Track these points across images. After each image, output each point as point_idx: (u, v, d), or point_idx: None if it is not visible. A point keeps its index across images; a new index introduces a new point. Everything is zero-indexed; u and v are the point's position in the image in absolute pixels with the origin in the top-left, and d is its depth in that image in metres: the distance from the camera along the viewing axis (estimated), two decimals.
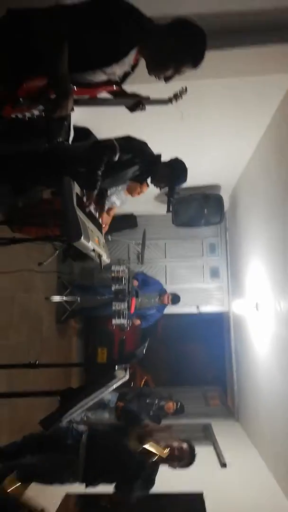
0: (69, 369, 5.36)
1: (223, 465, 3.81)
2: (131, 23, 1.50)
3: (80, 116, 2.86)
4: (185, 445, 2.51)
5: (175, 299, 4.94)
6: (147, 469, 2.23)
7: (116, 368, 1.66)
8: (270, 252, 3.54)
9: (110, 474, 2.26)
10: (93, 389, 1.53)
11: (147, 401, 4.60)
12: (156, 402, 4.57)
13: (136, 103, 1.94)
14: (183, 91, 1.92)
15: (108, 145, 2.23)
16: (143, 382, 6.30)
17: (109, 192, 3.14)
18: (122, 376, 1.71)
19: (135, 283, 4.85)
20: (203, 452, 3.09)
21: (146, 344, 2.49)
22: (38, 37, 1.42)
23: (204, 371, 7.13)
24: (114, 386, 1.71)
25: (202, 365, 7.17)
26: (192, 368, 7.16)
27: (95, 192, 2.28)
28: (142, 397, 4.64)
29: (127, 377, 1.77)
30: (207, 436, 4.69)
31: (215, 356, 6.62)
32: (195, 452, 2.55)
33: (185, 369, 7.15)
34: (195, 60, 1.59)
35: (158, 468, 2.33)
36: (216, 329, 6.44)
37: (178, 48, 1.55)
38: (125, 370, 1.77)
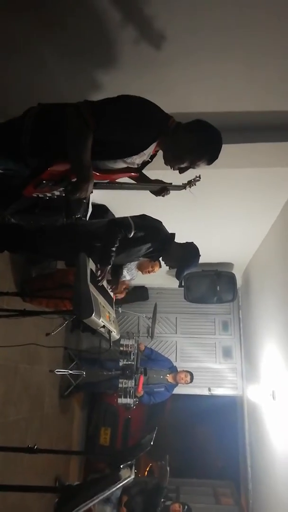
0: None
1: None
2: (153, 121, 1.60)
3: (97, 194, 3.00)
4: None
5: (192, 377, 4.67)
6: None
7: (121, 468, 1.50)
8: (287, 336, 3.39)
9: None
10: (95, 491, 1.36)
11: (153, 498, 4.20)
12: (162, 500, 4.16)
13: (162, 188, 2.01)
14: (197, 178, 2.01)
15: (124, 223, 2.28)
16: (147, 469, 5.80)
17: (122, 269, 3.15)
18: (127, 476, 1.54)
19: (142, 346, 4.65)
20: None
21: (154, 434, 2.29)
22: (67, 129, 1.51)
23: (214, 462, 6.50)
24: (119, 486, 1.53)
25: (213, 455, 6.56)
26: (201, 457, 6.56)
27: (109, 267, 2.28)
28: (147, 493, 4.25)
29: (132, 476, 1.60)
30: None
31: (227, 446, 6.08)
32: None
33: (193, 458, 6.55)
34: (210, 159, 1.70)
35: None
36: (228, 415, 5.99)
37: (195, 147, 1.66)
38: (131, 468, 1.60)
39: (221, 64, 2.02)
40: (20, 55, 2.06)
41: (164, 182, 2.03)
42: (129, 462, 1.61)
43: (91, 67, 2.08)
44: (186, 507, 4.16)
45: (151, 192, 2.09)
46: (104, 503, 3.43)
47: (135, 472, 1.78)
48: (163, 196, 2.07)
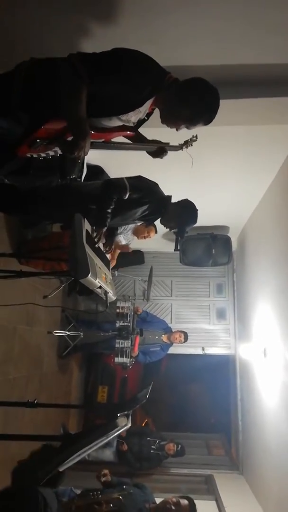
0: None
1: None
2: (148, 75, 1.55)
3: (92, 154, 2.95)
4: (184, 502, 2.34)
5: (186, 337, 4.81)
6: None
7: (118, 416, 1.58)
8: (279, 297, 3.46)
9: None
10: (93, 438, 1.45)
11: (148, 438, 4.48)
12: (157, 441, 4.44)
13: (160, 150, 1.97)
14: (194, 138, 1.97)
15: (118, 184, 2.26)
16: (143, 425, 6.07)
17: (117, 230, 3.16)
18: (124, 425, 1.63)
19: (139, 310, 4.75)
20: (204, 507, 2.93)
21: (150, 388, 2.39)
22: (59, 82, 1.46)
23: (207, 417, 6.83)
24: (116, 434, 1.62)
25: (205, 410, 6.88)
26: (194, 412, 6.87)
27: (104, 229, 2.28)
28: (144, 435, 4.53)
29: (129, 425, 1.69)
30: (210, 489, 4.41)
31: (219, 401, 6.36)
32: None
33: (187, 413, 6.86)
34: (208, 118, 1.66)
35: None
36: (221, 373, 6.23)
37: (192, 106, 1.61)
38: (127, 418, 1.69)
39: (219, 14, 1.93)
40: (16, 7, 1.96)
41: (162, 143, 1.99)
42: (126, 412, 1.70)
43: (85, 16, 1.99)
44: (179, 446, 4.43)
45: (148, 153, 2.04)
46: (103, 447, 3.64)
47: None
48: (161, 157, 2.03)
